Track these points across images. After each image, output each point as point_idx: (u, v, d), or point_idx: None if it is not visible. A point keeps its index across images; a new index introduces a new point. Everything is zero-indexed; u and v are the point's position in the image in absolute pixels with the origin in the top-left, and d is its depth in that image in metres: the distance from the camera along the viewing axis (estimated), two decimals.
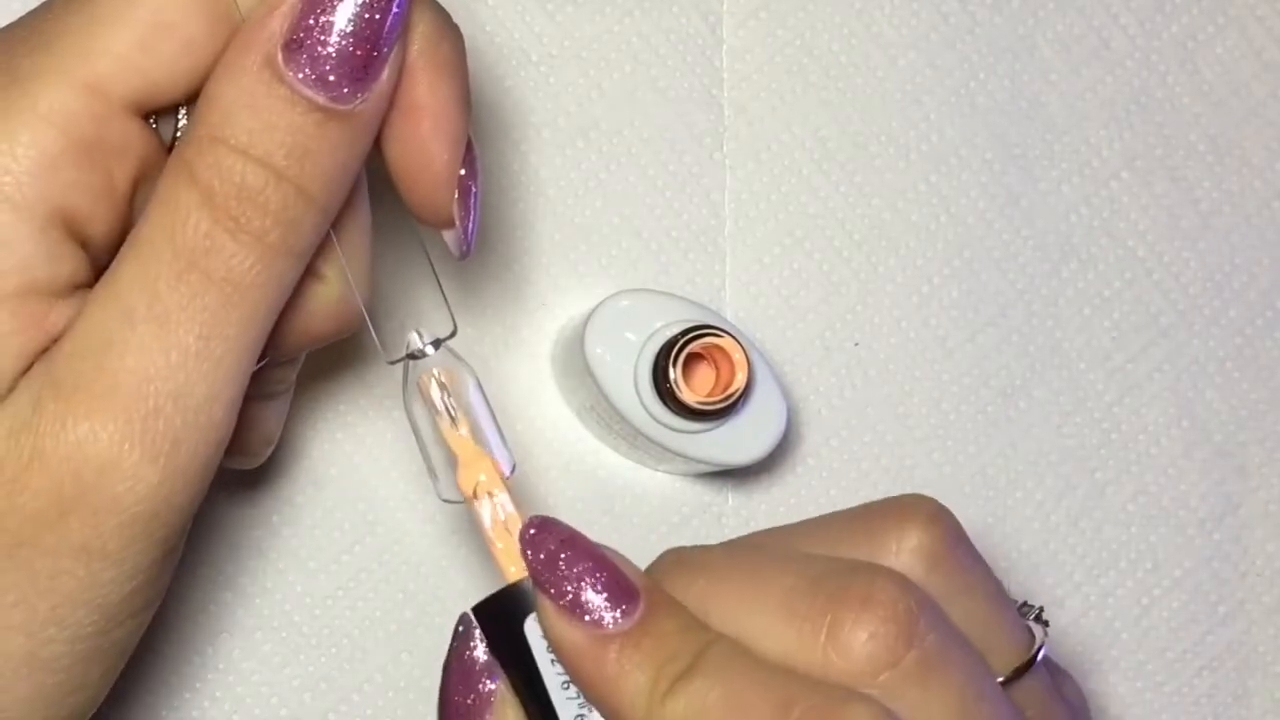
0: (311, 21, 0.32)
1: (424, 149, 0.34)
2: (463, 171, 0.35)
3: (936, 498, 0.37)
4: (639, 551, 0.50)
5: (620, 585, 0.34)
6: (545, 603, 0.34)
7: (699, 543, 0.50)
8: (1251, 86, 0.54)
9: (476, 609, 0.35)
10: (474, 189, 0.36)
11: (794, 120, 0.51)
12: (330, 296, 0.36)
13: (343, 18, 0.32)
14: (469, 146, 0.35)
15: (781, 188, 0.51)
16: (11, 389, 0.32)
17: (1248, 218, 0.54)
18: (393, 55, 0.33)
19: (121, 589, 0.33)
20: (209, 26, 0.33)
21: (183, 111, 0.34)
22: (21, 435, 0.32)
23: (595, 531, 0.49)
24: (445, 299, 0.38)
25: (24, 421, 0.32)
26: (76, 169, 0.32)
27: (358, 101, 0.32)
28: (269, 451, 0.40)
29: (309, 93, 0.32)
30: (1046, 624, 0.37)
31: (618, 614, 0.33)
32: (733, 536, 0.50)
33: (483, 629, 0.35)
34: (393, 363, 0.36)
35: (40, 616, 0.32)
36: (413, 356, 0.36)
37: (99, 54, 0.32)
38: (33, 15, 0.33)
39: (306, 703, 0.48)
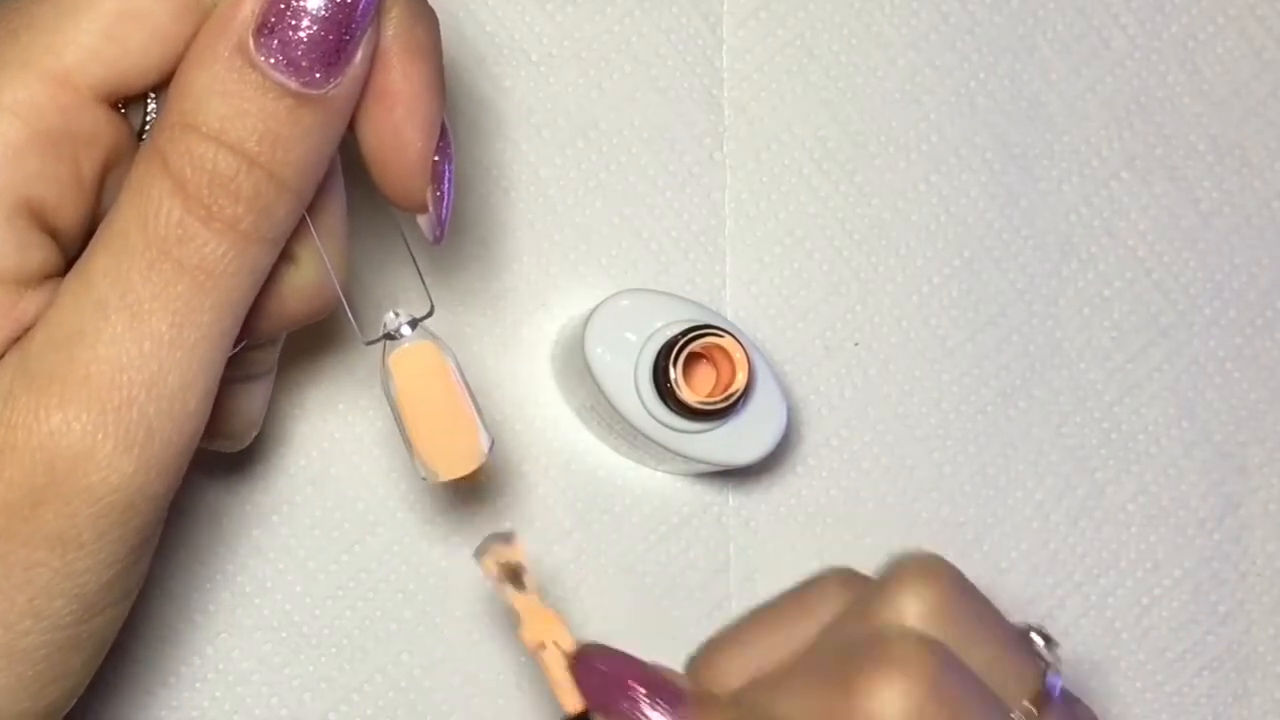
0: (283, 6, 0.32)
1: (397, 134, 0.34)
2: (436, 157, 0.35)
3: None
4: (640, 552, 0.50)
5: (669, 694, 0.36)
6: None
7: (699, 543, 0.50)
8: (1251, 86, 0.54)
9: None
10: (447, 174, 0.36)
11: (794, 120, 0.51)
12: (305, 279, 0.35)
13: (315, 3, 0.32)
14: (443, 132, 0.35)
15: (781, 188, 0.51)
16: None
17: (1248, 218, 0.54)
18: (365, 40, 0.33)
19: (99, 578, 0.33)
20: (176, 14, 0.33)
21: (152, 98, 0.34)
22: None
23: (595, 531, 0.49)
24: (422, 279, 0.38)
25: None
26: (42, 159, 0.32)
27: (330, 86, 0.32)
28: (254, 434, 0.40)
29: (280, 78, 0.32)
30: (1057, 645, 0.37)
31: (672, 718, 0.36)
32: (733, 536, 0.50)
33: None
34: (370, 343, 0.36)
35: (17, 609, 0.32)
36: (389, 337, 0.36)
37: (65, 44, 0.32)
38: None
39: (306, 703, 0.48)
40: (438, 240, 0.37)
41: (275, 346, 0.40)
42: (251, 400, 0.39)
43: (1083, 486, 0.52)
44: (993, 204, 0.52)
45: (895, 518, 0.51)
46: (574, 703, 0.37)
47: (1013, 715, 0.36)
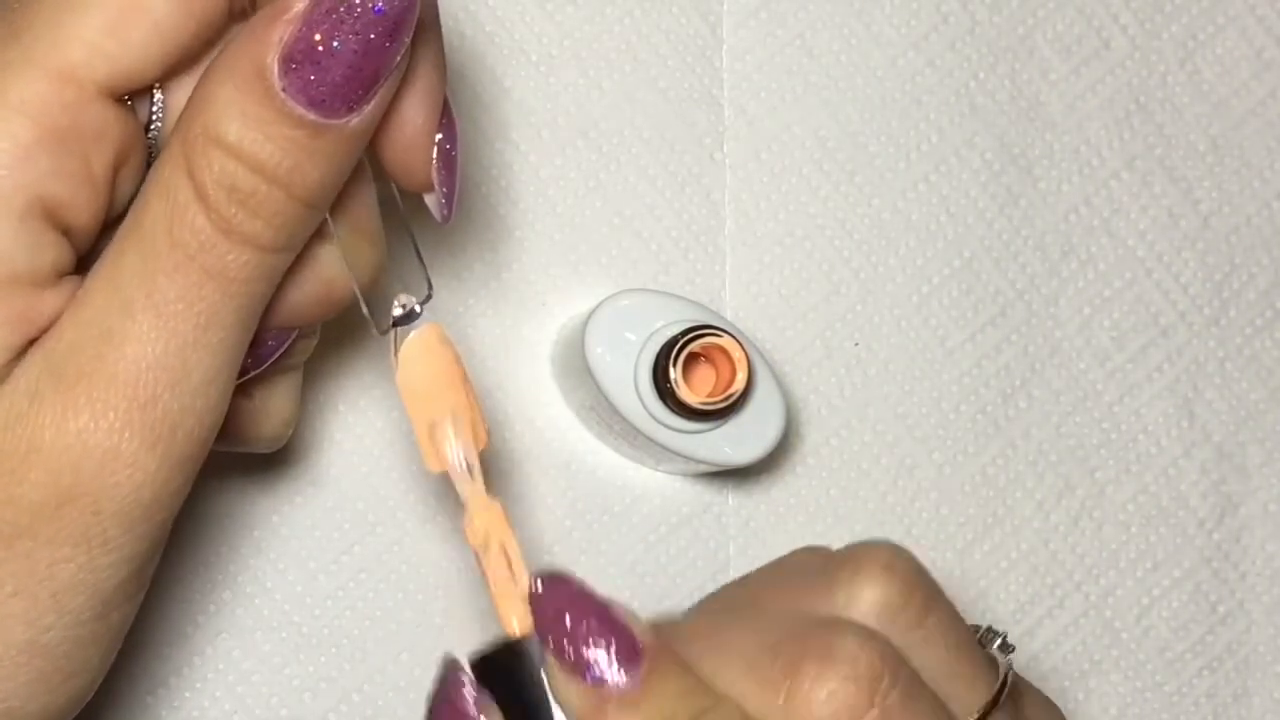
0: (311, 47, 0.31)
1: (399, 112, 0.34)
2: (440, 135, 0.35)
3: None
4: (640, 552, 0.50)
5: (625, 644, 0.34)
6: (550, 658, 0.34)
7: (699, 543, 0.50)
8: (1251, 86, 0.54)
9: (478, 660, 0.35)
10: (453, 152, 0.36)
11: (794, 120, 0.51)
12: (336, 270, 0.36)
13: (346, 49, 0.31)
14: (446, 110, 0.35)
15: (781, 188, 0.51)
16: (3, 380, 0.32)
17: (1248, 218, 0.54)
18: (393, 77, 0.32)
19: (118, 574, 0.33)
20: (179, 7, 0.33)
21: (157, 88, 0.34)
22: (17, 427, 0.32)
23: (595, 531, 0.49)
24: (421, 260, 0.37)
25: (19, 414, 0.32)
26: (52, 157, 0.32)
27: (352, 118, 0.32)
28: (289, 433, 0.40)
29: (301, 111, 0.32)
30: (1012, 649, 0.37)
31: (620, 673, 0.33)
32: (733, 536, 0.50)
33: (482, 674, 0.35)
34: (384, 332, 0.36)
35: (40, 605, 0.33)
36: (399, 323, 0.36)
37: (69, 41, 0.32)
38: (1, 6, 0.33)
39: (306, 703, 0.48)
40: (445, 219, 0.36)
41: (314, 337, 0.40)
42: (282, 399, 0.39)
43: (1083, 486, 0.52)
44: (993, 204, 0.52)
45: (895, 518, 0.51)
46: (519, 623, 0.34)
47: None
